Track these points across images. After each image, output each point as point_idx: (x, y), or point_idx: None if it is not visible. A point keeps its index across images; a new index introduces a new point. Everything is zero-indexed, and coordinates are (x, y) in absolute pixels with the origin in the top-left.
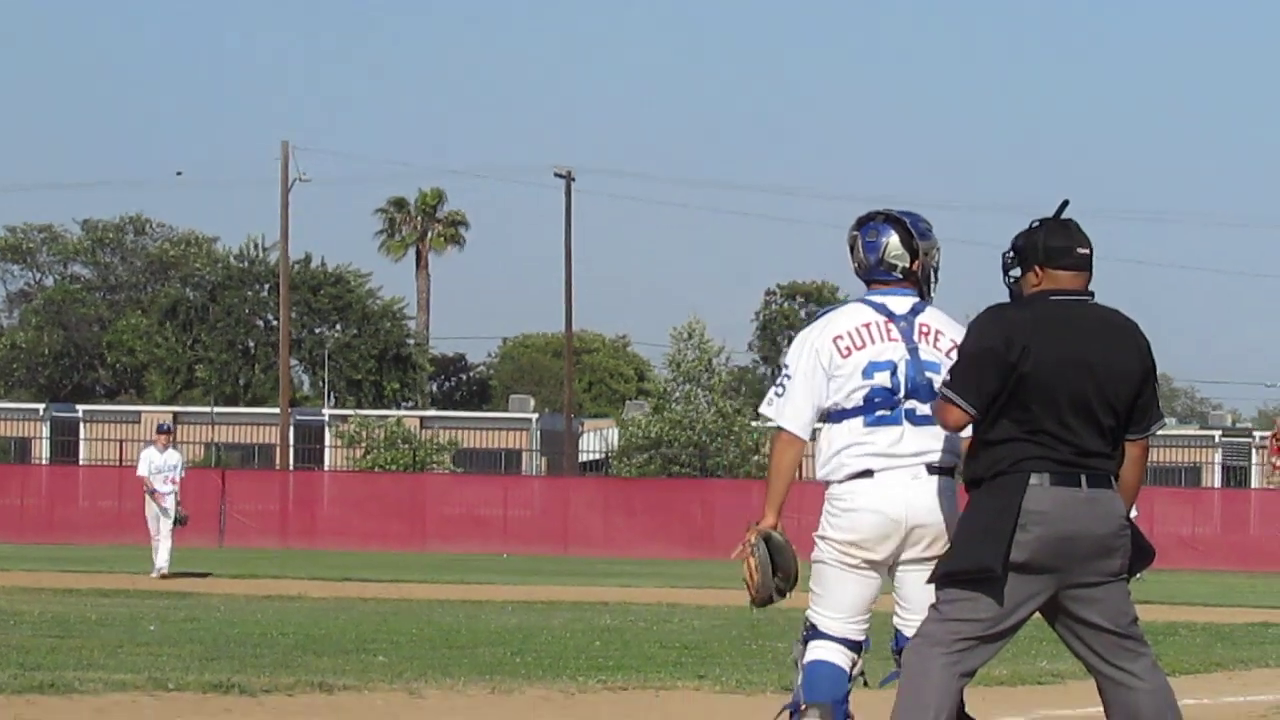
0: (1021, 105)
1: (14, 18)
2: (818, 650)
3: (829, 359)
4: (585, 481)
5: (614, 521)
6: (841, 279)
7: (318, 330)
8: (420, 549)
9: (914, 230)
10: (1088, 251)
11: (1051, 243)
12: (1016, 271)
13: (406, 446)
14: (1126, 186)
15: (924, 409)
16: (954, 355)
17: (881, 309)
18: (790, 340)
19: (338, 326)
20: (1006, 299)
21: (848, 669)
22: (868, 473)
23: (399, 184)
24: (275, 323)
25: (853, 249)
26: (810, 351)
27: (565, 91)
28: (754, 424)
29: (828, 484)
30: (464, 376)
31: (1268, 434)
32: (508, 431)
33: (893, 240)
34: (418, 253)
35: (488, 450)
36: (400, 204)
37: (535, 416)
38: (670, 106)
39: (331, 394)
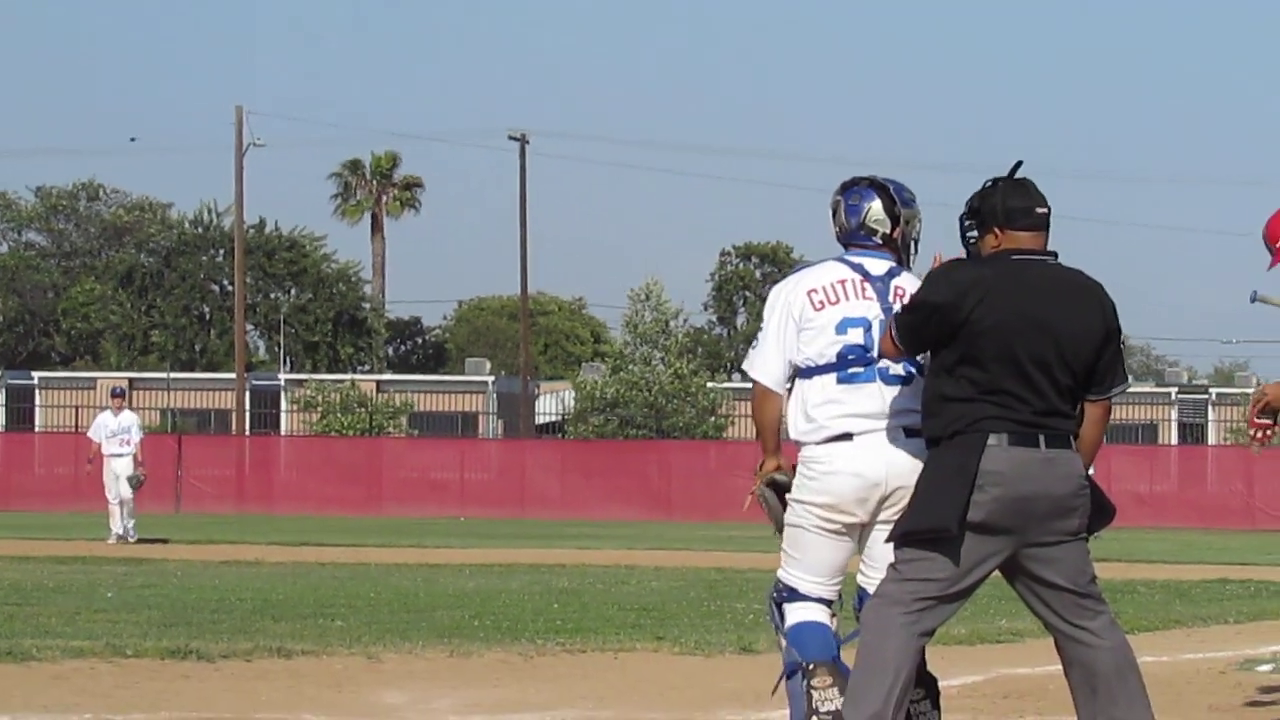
0: (975, 65)
1: None
2: (801, 612)
3: (800, 311)
4: (542, 444)
5: (571, 483)
6: (797, 240)
7: (273, 295)
8: (377, 513)
9: (897, 197)
10: (1046, 211)
11: (1011, 203)
12: (974, 234)
13: (363, 410)
14: (1079, 145)
15: (897, 368)
16: None
17: (858, 268)
18: (745, 300)
19: (293, 291)
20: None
21: (833, 627)
22: (847, 436)
23: (354, 148)
24: (230, 288)
25: (835, 213)
26: (783, 304)
27: (519, 54)
28: (710, 385)
29: (801, 444)
30: (420, 340)
31: (1227, 390)
32: (464, 394)
33: (875, 205)
34: (373, 216)
35: (444, 413)
36: (355, 167)
37: (491, 379)
38: (625, 69)
39: (287, 359)
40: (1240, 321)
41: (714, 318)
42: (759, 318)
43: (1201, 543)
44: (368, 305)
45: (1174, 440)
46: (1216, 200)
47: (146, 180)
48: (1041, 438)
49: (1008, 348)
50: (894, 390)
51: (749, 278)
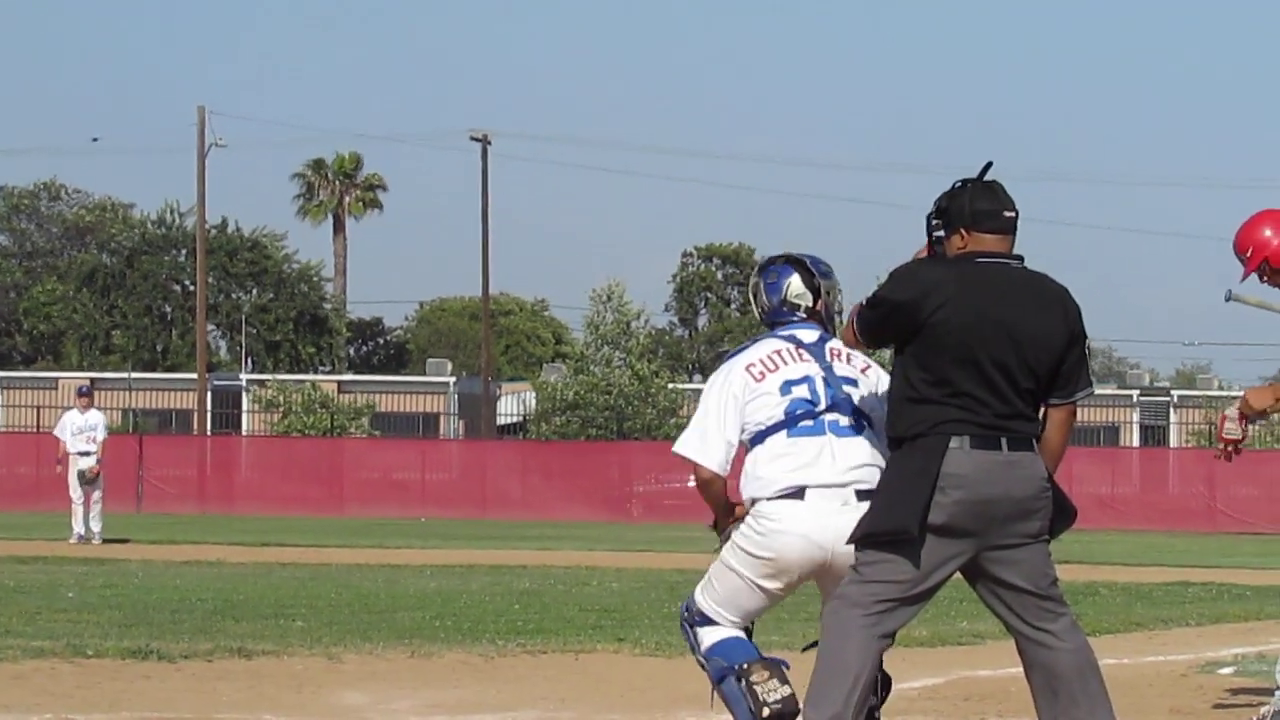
0: (937, 66)
1: None
2: (717, 632)
3: (741, 388)
4: (503, 445)
5: (532, 484)
6: (758, 241)
7: (235, 295)
8: (338, 513)
9: (815, 270)
10: (1013, 214)
11: (978, 205)
12: (941, 233)
13: (324, 411)
14: (1044, 147)
15: (846, 420)
16: (869, 373)
17: (790, 339)
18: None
19: (254, 291)
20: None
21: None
22: (799, 492)
23: (316, 148)
24: (192, 288)
25: (755, 295)
26: (721, 385)
27: (482, 55)
28: (671, 386)
29: (754, 501)
30: (381, 340)
31: (1189, 392)
32: (425, 395)
33: (794, 280)
34: (335, 217)
35: (405, 414)
36: (318, 167)
37: (453, 380)
38: (588, 70)
39: (249, 359)
40: (1202, 324)
41: (675, 319)
42: (720, 319)
43: (1163, 545)
44: (329, 305)
45: (1136, 442)
46: (1179, 202)
47: (108, 180)
48: (1004, 440)
49: (969, 350)
50: (844, 443)
51: (710, 279)
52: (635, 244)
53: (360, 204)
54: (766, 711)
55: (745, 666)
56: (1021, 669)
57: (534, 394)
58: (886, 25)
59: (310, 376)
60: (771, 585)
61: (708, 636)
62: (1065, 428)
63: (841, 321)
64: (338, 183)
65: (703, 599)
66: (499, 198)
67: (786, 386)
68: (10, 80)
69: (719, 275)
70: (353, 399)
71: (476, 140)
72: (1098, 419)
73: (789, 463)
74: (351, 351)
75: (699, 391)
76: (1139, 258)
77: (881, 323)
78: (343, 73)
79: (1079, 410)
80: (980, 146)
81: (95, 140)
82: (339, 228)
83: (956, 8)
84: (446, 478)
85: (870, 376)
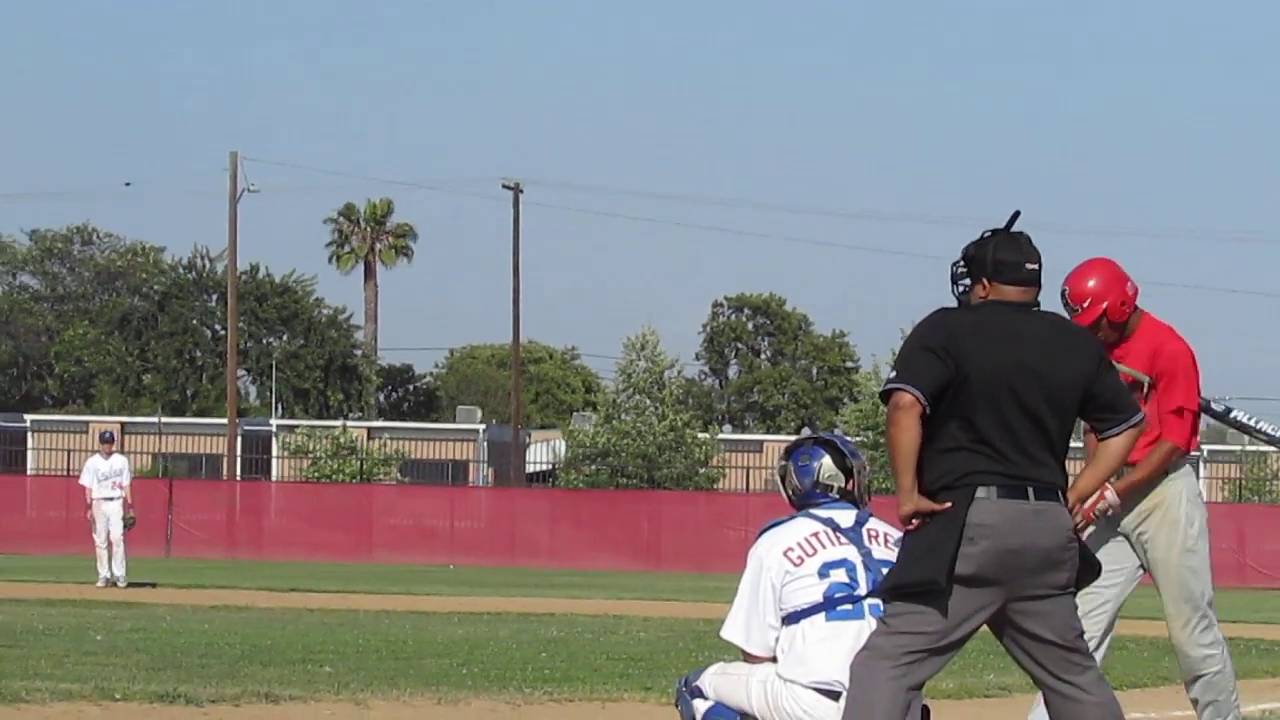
0: (971, 118)
1: None
2: (710, 703)
3: (779, 575)
4: (532, 493)
5: (561, 532)
6: (790, 291)
7: (265, 340)
8: (367, 559)
9: (845, 450)
10: (1036, 267)
11: (1000, 256)
12: (966, 282)
13: (353, 457)
14: (1076, 200)
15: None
16: None
17: (828, 522)
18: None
19: (284, 336)
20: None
21: None
22: (836, 695)
23: (347, 195)
24: (223, 332)
25: (785, 477)
26: (757, 570)
27: (513, 103)
28: (702, 436)
29: (789, 680)
30: (411, 387)
31: (1219, 447)
32: (455, 442)
33: (826, 462)
34: (366, 264)
35: (435, 461)
36: (350, 214)
37: (482, 427)
38: (618, 119)
39: (278, 404)
40: (1233, 379)
41: (705, 368)
42: (750, 370)
43: None
44: (359, 352)
45: None
46: (1202, 255)
47: (140, 225)
48: (1030, 490)
49: (995, 397)
50: None
51: (741, 329)
52: (666, 293)
53: (391, 251)
54: None
55: (743, 715)
56: None
57: (564, 442)
58: (920, 76)
59: (340, 422)
60: None
61: (701, 706)
62: (1123, 454)
63: (870, 496)
64: (369, 229)
65: (711, 681)
66: (530, 246)
67: (825, 569)
68: (43, 124)
69: (749, 325)
70: (382, 445)
71: (508, 188)
72: None
73: (831, 655)
74: (381, 398)
75: (731, 441)
76: (1168, 311)
77: (928, 367)
78: (375, 119)
79: None
80: (1012, 197)
81: (127, 185)
82: (370, 274)
83: (991, 60)
84: (475, 525)
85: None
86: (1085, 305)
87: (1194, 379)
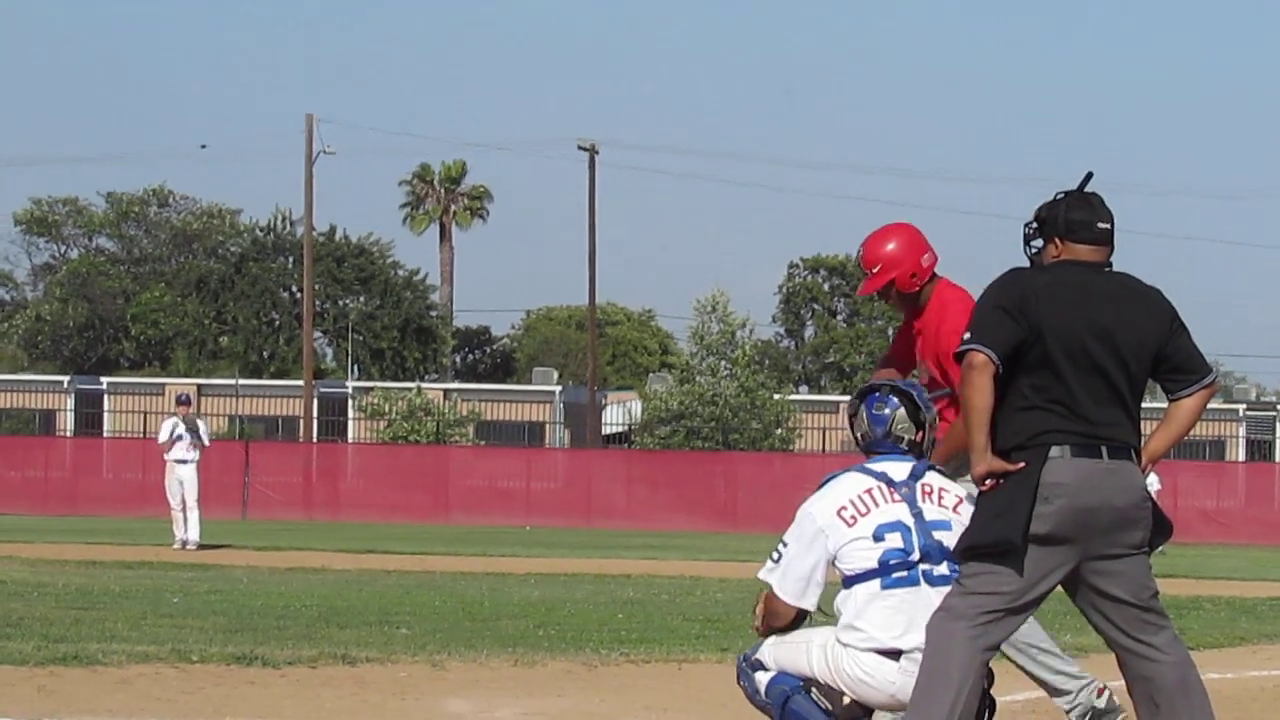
0: (1048, 76)
1: None
2: (771, 674)
3: (832, 537)
4: (608, 454)
5: (637, 494)
6: None
7: (341, 302)
8: (443, 521)
9: (920, 402)
10: (1108, 226)
11: (1072, 215)
12: (1038, 243)
13: (429, 418)
14: (1151, 160)
15: (940, 569)
16: (961, 510)
17: (881, 476)
18: (813, 313)
19: (361, 298)
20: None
21: None
22: (895, 654)
23: (422, 156)
24: (299, 295)
25: (854, 419)
26: (812, 531)
27: (588, 64)
28: (776, 397)
29: (845, 644)
30: (487, 349)
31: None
32: (531, 404)
33: (901, 413)
34: (441, 225)
35: (511, 423)
36: (425, 175)
37: (558, 389)
38: (694, 78)
39: (355, 366)
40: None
41: (782, 330)
42: (826, 330)
43: (1268, 560)
44: (435, 313)
45: (1242, 457)
46: None
47: (216, 187)
48: (1104, 448)
49: (1068, 356)
50: (939, 592)
51: (817, 290)
52: (742, 254)
53: (467, 213)
54: (848, 698)
55: (807, 682)
56: (1123, 683)
57: (639, 403)
58: (994, 34)
59: (416, 384)
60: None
61: (764, 677)
62: (1195, 415)
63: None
64: (444, 191)
65: (769, 654)
66: (606, 207)
67: (880, 532)
68: (119, 87)
69: (825, 287)
70: (458, 407)
71: (584, 149)
72: (1204, 433)
73: (887, 620)
74: (458, 360)
75: (806, 402)
76: (1247, 271)
77: (1001, 327)
78: (450, 81)
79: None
80: (1087, 157)
81: (203, 147)
82: (445, 236)
83: (1065, 19)
84: (551, 486)
85: (962, 514)
86: (875, 270)
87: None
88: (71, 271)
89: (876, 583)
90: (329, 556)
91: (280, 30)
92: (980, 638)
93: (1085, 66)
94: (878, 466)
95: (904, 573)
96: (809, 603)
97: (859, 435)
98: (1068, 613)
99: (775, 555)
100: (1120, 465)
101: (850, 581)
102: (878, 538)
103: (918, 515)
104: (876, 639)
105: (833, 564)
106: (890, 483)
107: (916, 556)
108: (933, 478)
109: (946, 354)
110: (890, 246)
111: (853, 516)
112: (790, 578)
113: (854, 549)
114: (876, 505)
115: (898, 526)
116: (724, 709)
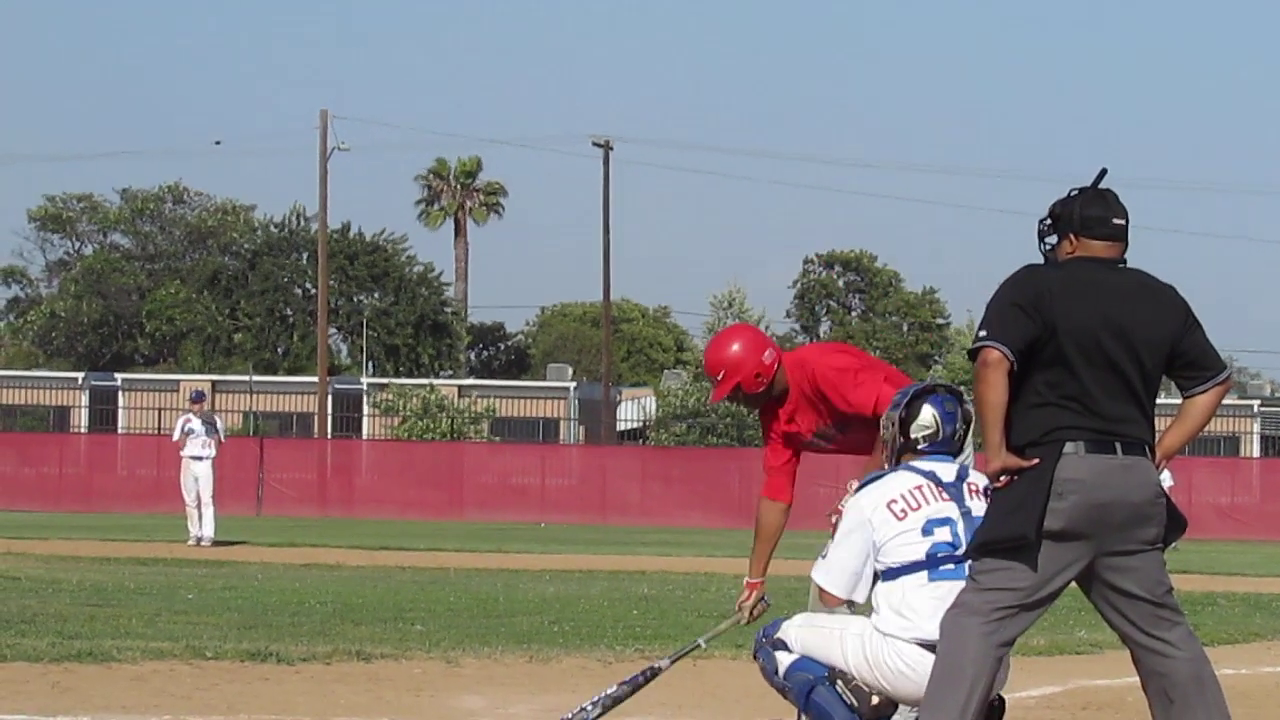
0: (1063, 71)
1: None
2: (793, 656)
3: (882, 529)
4: (623, 450)
5: (651, 491)
6: (881, 248)
7: (355, 298)
8: (458, 518)
9: (959, 405)
10: (1123, 222)
11: (1087, 211)
12: (1053, 239)
13: (444, 415)
14: (1163, 156)
15: None
16: None
17: (930, 475)
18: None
19: (375, 294)
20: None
21: None
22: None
23: (437, 152)
24: (313, 291)
25: (890, 425)
26: (862, 525)
27: (603, 60)
28: None
29: (887, 634)
30: (502, 345)
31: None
32: (545, 400)
33: (967, 408)
34: (456, 221)
35: (525, 419)
36: (440, 171)
37: (573, 385)
38: (708, 74)
39: (369, 362)
40: None
41: (797, 325)
42: (841, 325)
43: None
44: (449, 310)
45: (1256, 453)
46: None
47: (231, 183)
48: (1118, 445)
49: (1082, 353)
50: None
51: (832, 286)
52: (757, 250)
53: (482, 209)
54: (876, 699)
55: (832, 673)
56: (1138, 679)
57: (655, 400)
58: (1010, 30)
59: (431, 380)
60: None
61: (786, 658)
62: (1209, 411)
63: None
64: (458, 187)
65: (794, 635)
66: (620, 203)
67: (929, 526)
68: (134, 84)
69: (840, 282)
70: (473, 403)
71: (599, 146)
72: (1218, 429)
73: (935, 610)
74: (472, 356)
75: None
76: (1262, 267)
77: (1016, 324)
78: (465, 78)
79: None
80: (1100, 153)
81: (218, 143)
82: (460, 232)
83: (1079, 18)
84: (566, 483)
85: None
86: (719, 377)
87: (848, 377)
88: (86, 268)
89: (924, 574)
90: (343, 553)
91: (295, 27)
92: (994, 634)
93: (1100, 61)
94: (925, 465)
95: (951, 566)
96: (860, 596)
97: (901, 436)
98: (1082, 608)
99: (824, 553)
100: (1135, 461)
101: (895, 573)
102: (927, 531)
103: (966, 513)
104: (922, 629)
105: (874, 557)
106: (939, 482)
107: (963, 552)
108: (976, 478)
109: (854, 398)
110: (731, 351)
111: (903, 510)
112: (837, 571)
113: (901, 541)
114: (927, 502)
115: (947, 522)
116: (738, 705)
